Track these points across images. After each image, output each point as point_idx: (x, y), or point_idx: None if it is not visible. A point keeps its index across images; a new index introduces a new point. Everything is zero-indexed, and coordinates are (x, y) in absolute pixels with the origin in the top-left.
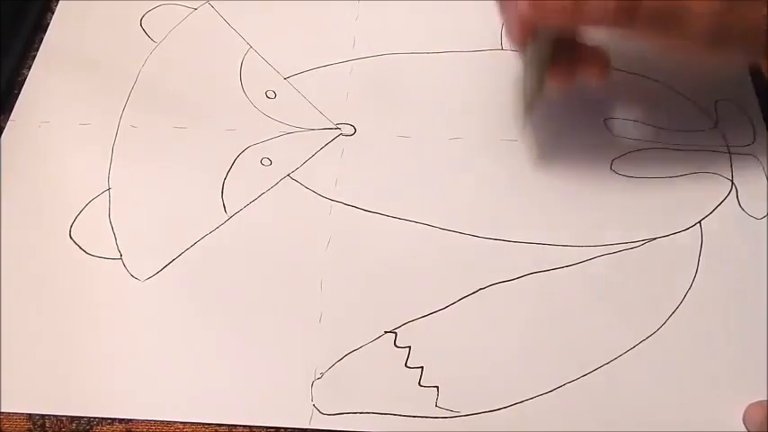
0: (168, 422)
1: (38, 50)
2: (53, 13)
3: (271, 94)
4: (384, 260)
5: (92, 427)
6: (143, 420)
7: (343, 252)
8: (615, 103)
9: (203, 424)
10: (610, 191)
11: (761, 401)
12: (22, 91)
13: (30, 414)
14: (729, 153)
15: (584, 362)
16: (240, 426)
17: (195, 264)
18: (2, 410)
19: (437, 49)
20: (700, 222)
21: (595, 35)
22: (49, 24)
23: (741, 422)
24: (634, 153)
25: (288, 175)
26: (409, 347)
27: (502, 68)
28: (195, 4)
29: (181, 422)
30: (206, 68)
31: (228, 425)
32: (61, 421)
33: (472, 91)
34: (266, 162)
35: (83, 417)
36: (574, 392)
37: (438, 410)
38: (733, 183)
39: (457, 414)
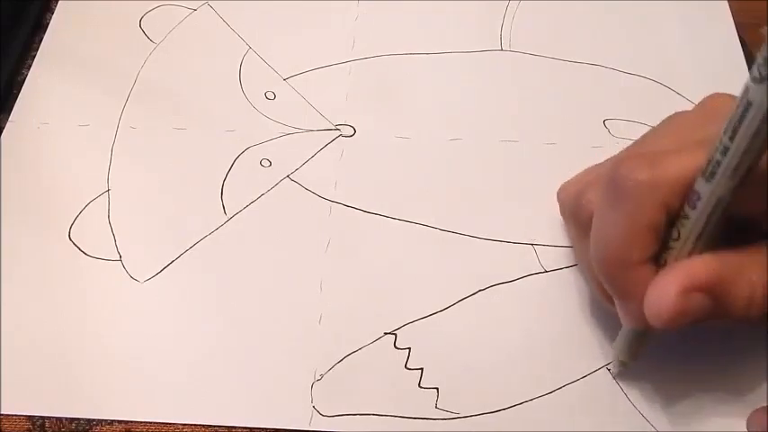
0: (168, 423)
1: (37, 50)
2: (53, 13)
3: (270, 95)
4: (384, 261)
5: (91, 428)
6: (143, 422)
7: (342, 253)
8: (615, 103)
9: (203, 425)
10: None
11: (764, 407)
12: (22, 91)
13: (29, 415)
14: None
15: (585, 363)
16: (240, 427)
17: (195, 265)
18: (2, 412)
19: (437, 50)
20: None
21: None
22: (48, 24)
23: (741, 423)
24: None
25: (287, 176)
26: (409, 349)
27: (502, 68)
28: (194, 5)
29: (180, 423)
30: (205, 69)
31: (228, 426)
32: (61, 422)
33: (472, 91)
34: (266, 163)
35: (82, 417)
36: (574, 393)
37: (438, 412)
38: None
39: (457, 415)
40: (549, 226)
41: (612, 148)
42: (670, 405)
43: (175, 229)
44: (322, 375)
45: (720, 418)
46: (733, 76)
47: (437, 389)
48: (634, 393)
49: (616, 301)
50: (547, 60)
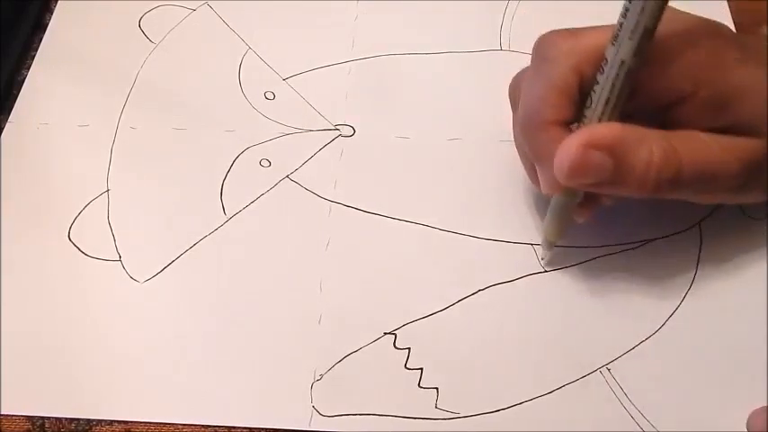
0: (168, 423)
1: (37, 50)
2: (53, 14)
3: (270, 95)
4: (383, 261)
5: (91, 428)
6: (142, 422)
7: (342, 253)
8: None
9: (203, 425)
10: None
11: (764, 407)
12: (21, 92)
13: (29, 415)
14: None
15: (584, 363)
16: (239, 427)
17: (194, 265)
18: (2, 412)
19: (437, 50)
20: (699, 223)
21: None
22: (48, 24)
23: (741, 423)
24: None
25: (287, 176)
26: (409, 349)
27: (502, 68)
28: (194, 5)
29: (180, 423)
30: (205, 69)
31: (228, 426)
32: (61, 422)
33: (472, 91)
34: (265, 163)
35: (82, 417)
36: (574, 393)
37: (438, 412)
38: None
39: (457, 415)
40: None
41: None
42: (670, 405)
43: (175, 229)
44: (322, 375)
45: (720, 418)
46: None
47: (437, 389)
48: (634, 393)
49: (537, 168)
50: None
